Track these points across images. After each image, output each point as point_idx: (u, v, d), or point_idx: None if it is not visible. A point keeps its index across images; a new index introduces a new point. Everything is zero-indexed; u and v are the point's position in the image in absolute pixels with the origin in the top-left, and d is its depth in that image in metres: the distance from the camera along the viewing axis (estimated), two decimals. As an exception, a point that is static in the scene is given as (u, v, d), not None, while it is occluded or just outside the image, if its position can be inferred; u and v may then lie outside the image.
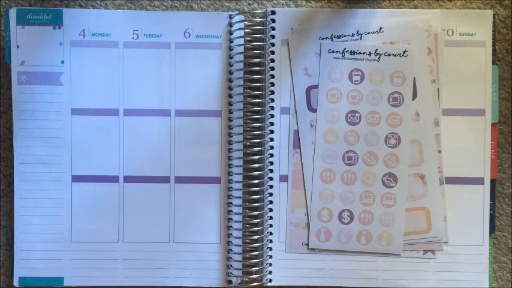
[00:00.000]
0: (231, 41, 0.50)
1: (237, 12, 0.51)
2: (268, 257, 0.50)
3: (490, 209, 0.50)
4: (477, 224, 0.50)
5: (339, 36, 0.50)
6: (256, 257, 0.50)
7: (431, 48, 0.49)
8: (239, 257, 0.50)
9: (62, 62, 0.50)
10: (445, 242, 0.50)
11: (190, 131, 0.50)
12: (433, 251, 0.50)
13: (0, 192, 0.52)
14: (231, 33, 0.50)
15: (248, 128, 0.50)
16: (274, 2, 0.51)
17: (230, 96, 0.50)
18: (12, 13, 0.49)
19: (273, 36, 0.50)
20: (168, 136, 0.50)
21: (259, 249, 0.50)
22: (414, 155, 0.50)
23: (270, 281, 0.50)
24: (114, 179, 0.50)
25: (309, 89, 0.50)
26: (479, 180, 0.50)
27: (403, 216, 0.50)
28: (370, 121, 0.50)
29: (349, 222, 0.50)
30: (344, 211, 0.50)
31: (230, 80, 0.50)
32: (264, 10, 0.50)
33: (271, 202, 0.50)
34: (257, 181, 0.49)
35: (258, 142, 0.49)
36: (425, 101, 0.50)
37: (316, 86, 0.50)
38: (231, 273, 0.50)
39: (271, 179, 0.50)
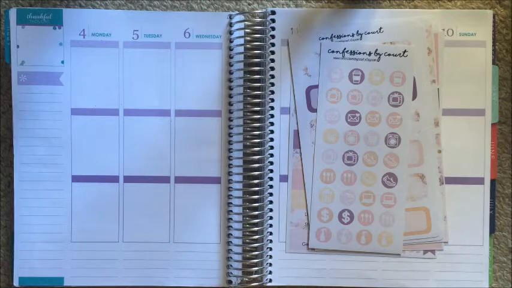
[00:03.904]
0: (231, 41, 0.50)
1: (237, 12, 0.51)
2: (268, 257, 0.50)
3: (490, 209, 0.50)
4: (477, 224, 0.50)
5: (339, 36, 0.50)
6: (256, 257, 0.50)
7: (431, 48, 0.49)
8: (239, 257, 0.50)
9: (62, 62, 0.50)
10: (445, 242, 0.50)
11: (190, 131, 0.50)
12: (433, 251, 0.50)
13: (0, 192, 0.52)
14: (231, 33, 0.50)
15: (248, 128, 0.50)
16: (274, 2, 0.51)
17: (230, 96, 0.50)
18: (12, 13, 0.49)
19: (273, 36, 0.50)
20: (168, 136, 0.50)
21: (259, 249, 0.50)
22: (414, 155, 0.50)
23: (270, 281, 0.50)
24: (114, 179, 0.50)
25: (309, 89, 0.50)
26: (479, 180, 0.50)
27: (403, 216, 0.50)
28: (370, 121, 0.50)
29: (349, 222, 0.50)
30: (344, 211, 0.50)
31: (230, 80, 0.50)
32: (264, 10, 0.50)
33: (271, 202, 0.50)
34: (257, 181, 0.49)
35: (258, 142, 0.49)
36: (425, 101, 0.50)
37: (316, 86, 0.50)
38: (231, 273, 0.50)
39: (271, 179, 0.50)
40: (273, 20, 0.50)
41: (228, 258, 0.50)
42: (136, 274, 0.50)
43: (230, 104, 0.50)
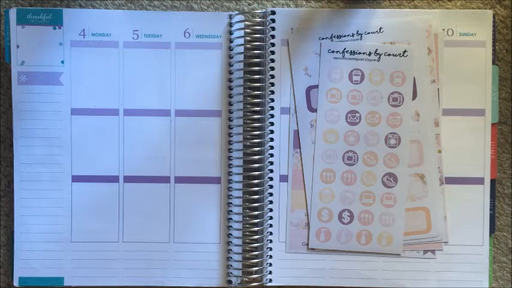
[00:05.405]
0: (231, 41, 0.50)
1: (237, 12, 0.51)
2: (268, 257, 0.50)
3: (490, 209, 0.50)
4: (477, 224, 0.50)
5: (339, 36, 0.50)
6: (256, 257, 0.50)
7: (431, 48, 0.49)
8: (239, 257, 0.50)
9: (62, 62, 0.50)
10: (445, 242, 0.50)
11: (190, 131, 0.50)
12: (433, 251, 0.50)
13: (0, 192, 0.52)
14: (231, 33, 0.50)
15: (248, 128, 0.50)
16: (274, 2, 0.51)
17: (230, 96, 0.50)
18: (12, 13, 0.49)
19: (273, 36, 0.50)
20: (168, 136, 0.50)
21: (259, 249, 0.50)
22: (414, 155, 0.50)
23: (270, 281, 0.50)
24: (114, 179, 0.50)
25: (309, 89, 0.50)
26: (479, 180, 0.50)
27: (403, 216, 0.50)
28: (370, 121, 0.50)
29: (349, 222, 0.50)
30: (344, 211, 0.50)
31: (230, 80, 0.50)
32: (264, 10, 0.50)
33: (271, 202, 0.50)
34: (257, 181, 0.49)
35: (258, 142, 0.49)
36: (425, 101, 0.50)
37: (316, 86, 0.50)
38: (231, 273, 0.50)
39: (271, 179, 0.50)
40: (273, 20, 0.50)
41: (228, 258, 0.50)
42: (136, 274, 0.50)
43: (230, 104, 0.50)
